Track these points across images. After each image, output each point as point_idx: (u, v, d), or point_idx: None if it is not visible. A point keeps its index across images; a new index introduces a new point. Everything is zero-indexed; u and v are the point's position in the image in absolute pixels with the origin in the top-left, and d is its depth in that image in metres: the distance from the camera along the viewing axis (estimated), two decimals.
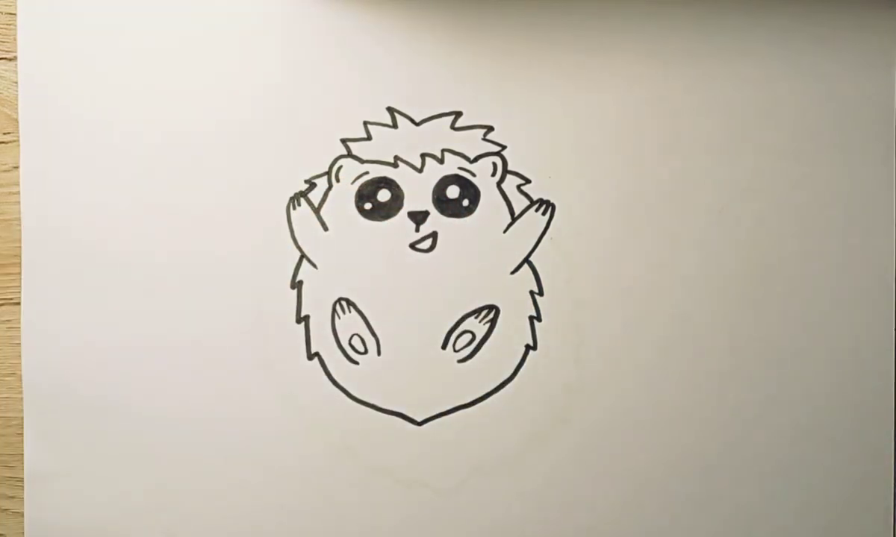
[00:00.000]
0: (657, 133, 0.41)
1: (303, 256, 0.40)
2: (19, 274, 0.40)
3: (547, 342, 0.40)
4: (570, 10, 0.40)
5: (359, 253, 0.40)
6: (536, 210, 0.40)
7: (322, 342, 0.40)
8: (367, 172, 0.40)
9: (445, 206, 0.40)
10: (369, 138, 0.40)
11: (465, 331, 0.40)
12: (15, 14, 0.40)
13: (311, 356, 0.40)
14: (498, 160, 0.40)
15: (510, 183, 0.40)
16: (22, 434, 0.40)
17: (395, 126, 0.40)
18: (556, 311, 0.40)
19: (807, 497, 0.41)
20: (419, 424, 0.41)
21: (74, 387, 0.40)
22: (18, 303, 0.40)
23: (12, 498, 0.41)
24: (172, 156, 0.40)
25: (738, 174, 0.41)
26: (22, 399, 0.40)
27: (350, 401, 0.40)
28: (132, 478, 0.40)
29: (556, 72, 0.40)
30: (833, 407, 0.41)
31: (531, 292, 0.40)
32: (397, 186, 0.40)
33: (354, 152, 0.40)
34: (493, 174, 0.40)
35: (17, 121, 0.40)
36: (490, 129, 0.40)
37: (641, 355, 0.41)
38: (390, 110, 0.40)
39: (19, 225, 0.40)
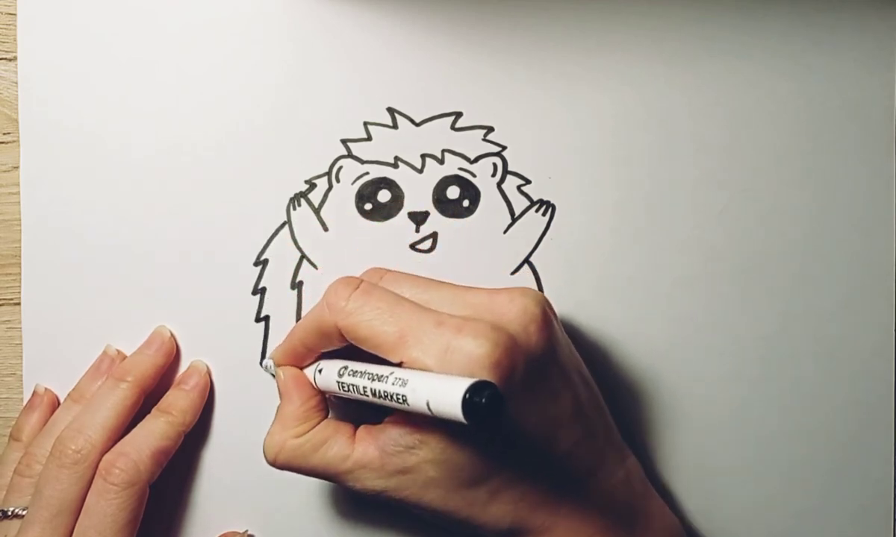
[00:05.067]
0: (657, 133, 0.41)
1: (303, 257, 0.40)
2: (19, 274, 0.40)
3: None
4: (571, 11, 0.40)
5: (359, 253, 0.40)
6: (536, 211, 0.40)
7: None
8: (367, 173, 0.40)
9: (446, 207, 0.40)
10: (369, 139, 0.40)
11: None
12: (15, 14, 0.40)
13: None
14: (498, 161, 0.40)
15: (510, 183, 0.40)
16: None
17: (395, 126, 0.40)
18: (556, 311, 0.40)
19: (806, 497, 0.41)
20: None
21: None
22: (18, 304, 0.40)
23: None
24: (172, 157, 0.40)
25: (738, 174, 0.41)
26: (22, 399, 0.40)
27: None
28: None
29: (556, 72, 0.40)
30: (833, 408, 0.41)
31: None
32: (397, 187, 0.40)
33: (355, 153, 0.40)
34: (494, 175, 0.40)
35: (17, 121, 0.40)
36: (490, 129, 0.40)
37: (641, 356, 0.41)
38: (390, 110, 0.40)
39: (19, 225, 0.40)
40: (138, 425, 0.38)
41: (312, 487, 0.40)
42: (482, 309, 0.33)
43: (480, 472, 0.32)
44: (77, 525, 0.35)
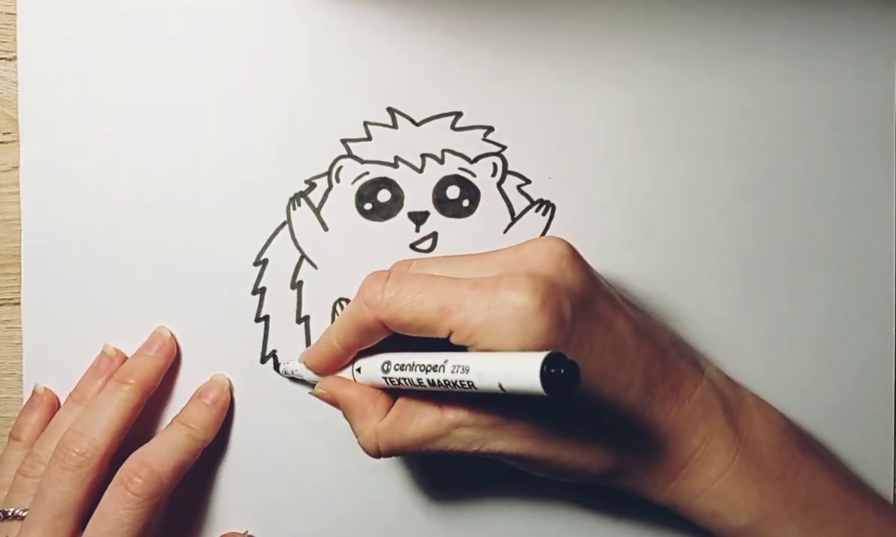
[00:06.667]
0: (657, 133, 0.41)
1: (303, 257, 0.40)
2: (19, 274, 0.40)
3: None
4: (571, 11, 0.40)
5: (359, 253, 0.40)
6: (536, 210, 0.40)
7: None
8: (367, 173, 0.40)
9: (446, 207, 0.40)
10: (369, 138, 0.40)
11: None
12: (15, 14, 0.40)
13: None
14: (498, 160, 0.40)
15: (510, 183, 0.40)
16: None
17: (395, 126, 0.40)
18: None
19: None
20: None
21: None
22: (18, 303, 0.40)
23: None
24: (172, 157, 0.40)
25: (738, 174, 0.41)
26: (22, 399, 0.40)
27: None
28: None
29: (557, 72, 0.40)
30: (833, 408, 0.41)
31: None
32: (397, 187, 0.40)
33: (354, 152, 0.40)
34: (494, 174, 0.40)
35: (17, 121, 0.40)
36: (490, 129, 0.40)
37: None
38: (390, 110, 0.40)
39: (19, 225, 0.40)
40: (160, 434, 0.38)
41: (312, 487, 0.40)
42: (511, 264, 0.33)
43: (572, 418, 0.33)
44: (88, 529, 0.35)
